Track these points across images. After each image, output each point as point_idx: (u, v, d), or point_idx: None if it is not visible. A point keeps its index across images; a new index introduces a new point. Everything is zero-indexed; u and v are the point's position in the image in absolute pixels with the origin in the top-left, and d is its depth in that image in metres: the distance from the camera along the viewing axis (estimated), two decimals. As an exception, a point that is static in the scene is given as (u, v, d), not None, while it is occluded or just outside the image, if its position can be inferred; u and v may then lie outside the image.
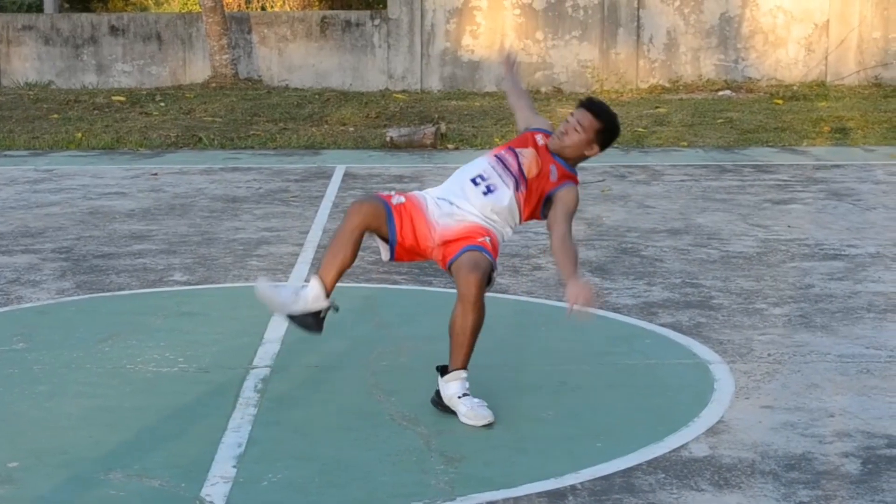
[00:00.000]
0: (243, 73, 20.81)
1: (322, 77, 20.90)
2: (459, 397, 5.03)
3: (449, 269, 5.04)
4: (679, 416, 5.11)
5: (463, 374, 5.05)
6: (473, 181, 5.18)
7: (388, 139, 14.45)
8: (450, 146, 14.37)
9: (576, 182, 5.32)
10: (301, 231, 9.13)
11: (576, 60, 20.70)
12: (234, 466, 4.52)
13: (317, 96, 19.11)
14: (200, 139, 14.82)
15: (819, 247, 8.58)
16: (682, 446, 4.76)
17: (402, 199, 5.16)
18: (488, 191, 5.15)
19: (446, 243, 5.06)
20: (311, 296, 5.07)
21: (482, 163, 5.27)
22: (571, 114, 5.32)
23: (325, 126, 15.97)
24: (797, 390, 5.46)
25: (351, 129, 15.74)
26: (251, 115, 16.83)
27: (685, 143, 14.62)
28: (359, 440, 4.82)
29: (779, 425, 5.01)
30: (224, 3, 20.85)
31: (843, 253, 8.37)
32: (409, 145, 14.30)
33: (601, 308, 6.86)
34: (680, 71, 20.61)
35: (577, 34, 20.56)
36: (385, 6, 21.23)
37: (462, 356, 5.03)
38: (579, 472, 4.48)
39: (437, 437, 4.85)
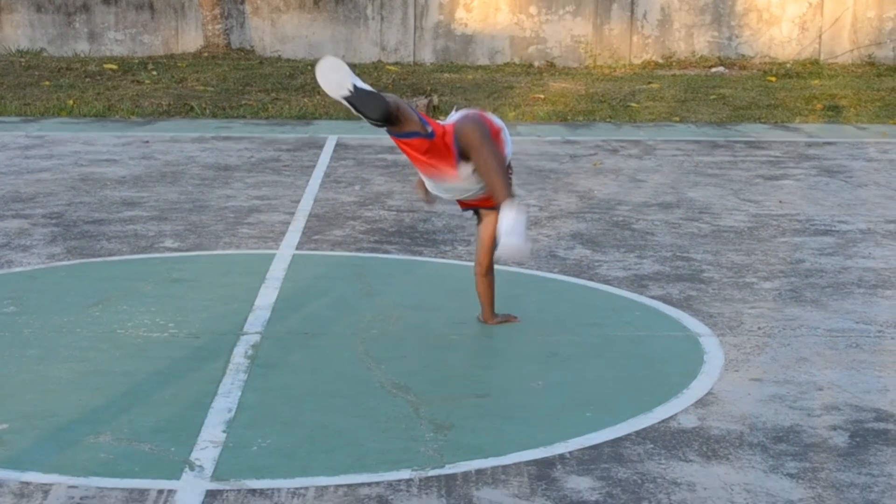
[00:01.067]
0: (236, 44, 20.73)
1: (315, 48, 20.81)
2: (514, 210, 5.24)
3: (456, 147, 5.35)
4: (668, 387, 5.12)
5: (513, 200, 5.26)
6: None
7: None
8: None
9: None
10: (292, 200, 9.11)
11: (569, 35, 20.64)
12: (224, 431, 4.52)
13: (309, 67, 18.99)
14: (192, 108, 14.77)
15: (810, 222, 8.58)
16: (670, 417, 4.77)
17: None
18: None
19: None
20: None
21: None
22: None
23: (318, 96, 15.90)
24: (786, 363, 5.48)
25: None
26: (243, 85, 16.76)
27: (677, 119, 14.60)
28: (348, 407, 4.82)
29: (767, 398, 5.03)
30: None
31: (833, 229, 8.37)
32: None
33: (592, 280, 6.89)
34: (673, 47, 20.56)
35: (570, 9, 20.48)
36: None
37: (503, 185, 5.27)
38: (568, 441, 4.49)
39: (426, 404, 4.85)
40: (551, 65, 20.15)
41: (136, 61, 19.44)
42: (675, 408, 4.88)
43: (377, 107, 5.24)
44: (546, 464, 4.30)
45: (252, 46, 20.78)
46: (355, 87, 5.28)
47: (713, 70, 19.57)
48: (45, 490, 4.04)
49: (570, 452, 4.40)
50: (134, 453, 4.33)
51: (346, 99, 5.27)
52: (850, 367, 5.44)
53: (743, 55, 20.43)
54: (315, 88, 16.33)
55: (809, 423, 4.74)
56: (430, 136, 5.37)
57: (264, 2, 20.87)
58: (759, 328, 6.03)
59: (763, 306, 6.42)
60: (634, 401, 4.95)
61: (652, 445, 4.49)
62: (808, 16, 20.46)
